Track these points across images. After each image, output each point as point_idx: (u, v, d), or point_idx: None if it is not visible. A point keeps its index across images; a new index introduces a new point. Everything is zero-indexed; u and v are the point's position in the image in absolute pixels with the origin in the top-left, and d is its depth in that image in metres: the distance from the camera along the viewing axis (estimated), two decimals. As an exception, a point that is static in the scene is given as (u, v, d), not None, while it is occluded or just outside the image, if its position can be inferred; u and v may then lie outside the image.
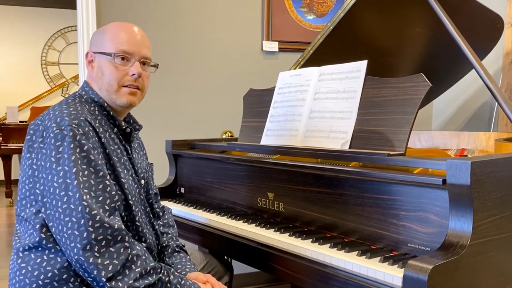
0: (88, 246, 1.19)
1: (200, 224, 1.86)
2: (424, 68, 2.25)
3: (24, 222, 1.33)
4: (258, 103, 2.01)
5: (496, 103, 1.71)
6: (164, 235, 1.61)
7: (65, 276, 1.26)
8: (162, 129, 2.82)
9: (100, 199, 1.24)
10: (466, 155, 2.12)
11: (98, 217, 1.20)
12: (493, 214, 1.19)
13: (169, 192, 2.23)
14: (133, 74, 1.40)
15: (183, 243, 1.64)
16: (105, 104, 1.41)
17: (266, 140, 1.86)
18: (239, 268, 2.45)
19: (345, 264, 1.29)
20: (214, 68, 3.00)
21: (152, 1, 2.83)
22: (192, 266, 1.55)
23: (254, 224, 1.66)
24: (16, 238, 1.35)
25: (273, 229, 1.59)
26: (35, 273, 1.27)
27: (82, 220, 1.19)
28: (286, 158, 1.73)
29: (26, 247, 1.29)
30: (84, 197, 1.21)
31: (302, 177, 1.61)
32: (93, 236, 1.19)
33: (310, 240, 1.45)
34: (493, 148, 2.05)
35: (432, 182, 1.22)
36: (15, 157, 7.17)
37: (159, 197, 1.69)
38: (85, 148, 1.25)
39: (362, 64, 1.61)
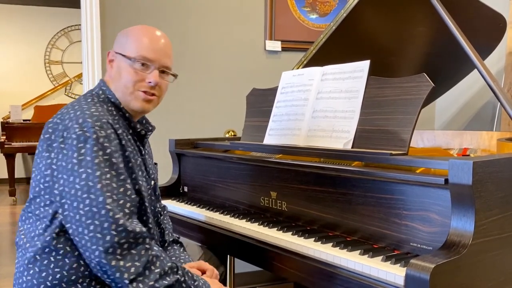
0: (111, 249, 1.20)
1: (203, 223, 1.87)
2: (427, 68, 2.25)
3: (35, 221, 1.32)
4: (261, 102, 2.02)
5: (499, 102, 1.71)
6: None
7: (73, 277, 1.27)
8: (165, 128, 2.83)
9: (121, 202, 1.24)
10: (469, 155, 2.13)
11: (121, 221, 1.21)
12: (495, 213, 1.20)
13: (172, 191, 2.24)
14: (149, 82, 1.40)
15: (177, 236, 1.68)
16: (121, 106, 1.41)
17: (269, 139, 1.87)
18: (242, 266, 2.46)
19: (347, 263, 1.29)
20: (217, 67, 3.00)
21: (156, 1, 2.84)
22: (187, 257, 1.58)
23: (257, 223, 1.67)
24: (22, 236, 1.35)
25: (276, 228, 1.59)
26: (43, 274, 1.27)
27: (106, 224, 1.20)
28: (289, 157, 1.74)
29: (35, 248, 1.29)
30: (108, 201, 1.22)
31: (305, 176, 1.62)
32: (116, 239, 1.20)
33: (313, 239, 1.46)
34: (495, 148, 2.05)
35: (434, 181, 1.22)
36: (18, 156, 7.20)
37: (160, 197, 1.71)
38: (108, 151, 1.26)
39: (365, 64, 1.62)
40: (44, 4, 7.71)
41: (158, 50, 1.42)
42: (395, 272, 1.18)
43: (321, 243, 1.42)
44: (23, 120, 6.76)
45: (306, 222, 1.62)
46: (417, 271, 1.09)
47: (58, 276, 1.26)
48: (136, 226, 1.24)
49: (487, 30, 2.29)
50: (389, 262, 1.24)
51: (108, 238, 1.20)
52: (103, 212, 1.21)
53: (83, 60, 2.78)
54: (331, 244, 1.40)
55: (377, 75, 1.59)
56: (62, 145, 1.27)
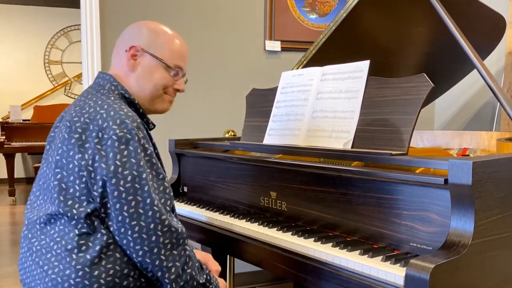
0: (155, 250, 1.22)
1: (203, 223, 1.87)
2: (426, 68, 2.25)
3: (68, 221, 1.25)
4: (260, 102, 2.02)
5: (498, 102, 1.71)
6: None
7: (125, 271, 1.25)
8: (165, 128, 2.82)
9: (162, 201, 1.26)
10: (468, 155, 2.13)
11: (166, 222, 1.23)
12: (495, 213, 1.20)
13: (172, 191, 2.24)
14: (178, 90, 1.47)
15: None
16: (135, 102, 1.41)
17: (269, 139, 1.87)
18: (242, 266, 2.46)
19: (347, 263, 1.29)
20: (217, 68, 3.00)
21: (156, 1, 2.84)
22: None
23: (257, 223, 1.67)
24: (50, 240, 1.27)
25: (276, 228, 1.59)
26: (95, 273, 1.21)
27: (152, 225, 1.21)
28: (289, 157, 1.74)
29: (79, 249, 1.23)
30: (155, 202, 1.23)
31: (305, 177, 1.62)
32: (161, 240, 1.22)
33: (313, 239, 1.46)
34: (495, 148, 2.06)
35: (434, 181, 1.22)
36: (18, 156, 7.20)
37: None
38: (148, 152, 1.27)
39: (365, 64, 1.62)
40: (43, 4, 7.71)
41: (186, 59, 1.50)
42: (395, 272, 1.18)
43: (321, 243, 1.42)
44: (23, 120, 6.76)
45: (306, 222, 1.62)
46: (417, 271, 1.09)
47: (111, 272, 1.23)
48: (177, 224, 1.27)
49: (486, 30, 2.30)
50: (389, 262, 1.24)
51: (153, 238, 1.21)
52: (150, 213, 1.21)
53: (83, 60, 2.78)
54: (331, 244, 1.40)
55: (377, 75, 1.59)
56: (99, 146, 1.23)
